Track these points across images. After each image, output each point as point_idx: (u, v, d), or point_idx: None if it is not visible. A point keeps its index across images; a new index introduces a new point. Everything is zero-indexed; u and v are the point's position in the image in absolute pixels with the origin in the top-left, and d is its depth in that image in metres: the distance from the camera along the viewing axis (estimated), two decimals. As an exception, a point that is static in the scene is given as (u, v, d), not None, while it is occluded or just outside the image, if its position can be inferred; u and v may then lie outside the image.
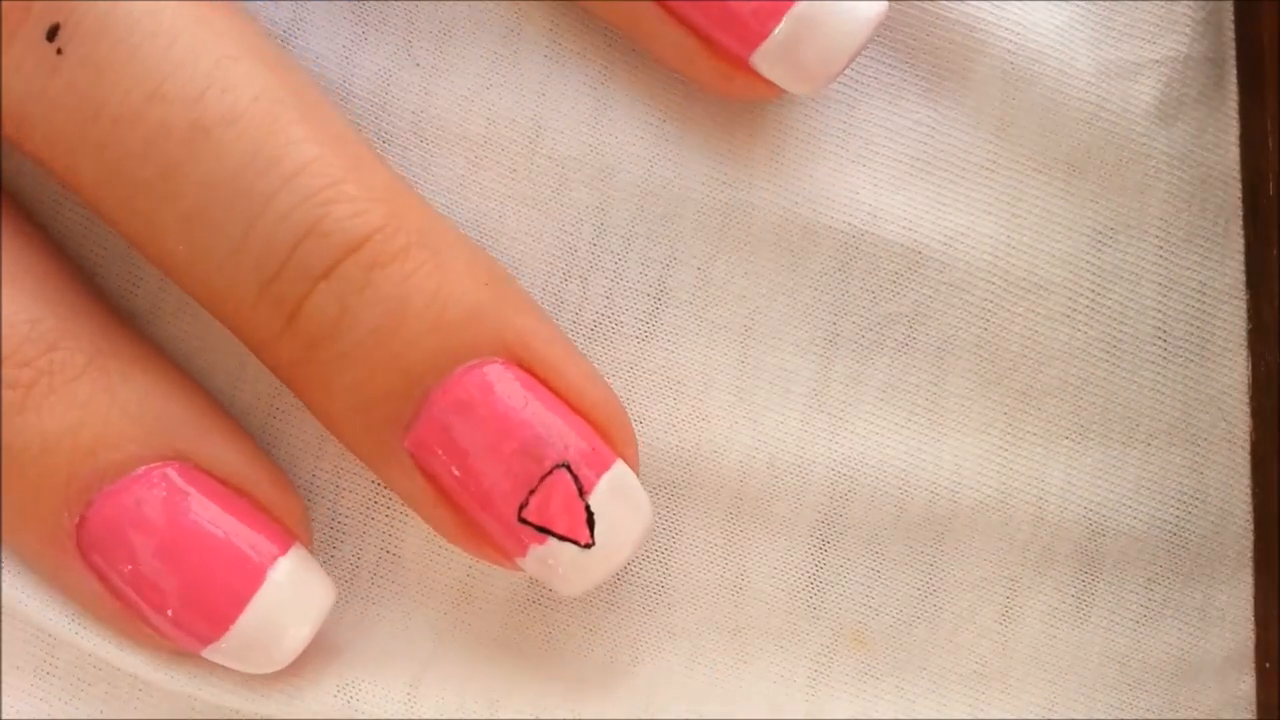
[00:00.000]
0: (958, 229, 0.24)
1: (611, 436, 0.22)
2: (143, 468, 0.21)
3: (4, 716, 0.24)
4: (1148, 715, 0.25)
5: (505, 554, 0.22)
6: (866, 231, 0.24)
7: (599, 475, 0.22)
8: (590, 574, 0.22)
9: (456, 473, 0.21)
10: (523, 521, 0.21)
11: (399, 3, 0.23)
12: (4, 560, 0.23)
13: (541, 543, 0.21)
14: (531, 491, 0.21)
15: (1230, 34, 0.25)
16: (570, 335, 0.23)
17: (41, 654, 0.24)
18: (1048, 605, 0.25)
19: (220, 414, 0.23)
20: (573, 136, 0.23)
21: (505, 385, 0.21)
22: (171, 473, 0.22)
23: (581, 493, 0.21)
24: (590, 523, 0.21)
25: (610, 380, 0.23)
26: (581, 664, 0.24)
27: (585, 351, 0.23)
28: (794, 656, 0.24)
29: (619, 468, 0.22)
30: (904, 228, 0.24)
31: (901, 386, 0.24)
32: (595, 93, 0.23)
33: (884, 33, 0.24)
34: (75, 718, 0.24)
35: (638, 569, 0.24)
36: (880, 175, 0.24)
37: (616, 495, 0.22)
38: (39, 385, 0.21)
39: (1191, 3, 0.24)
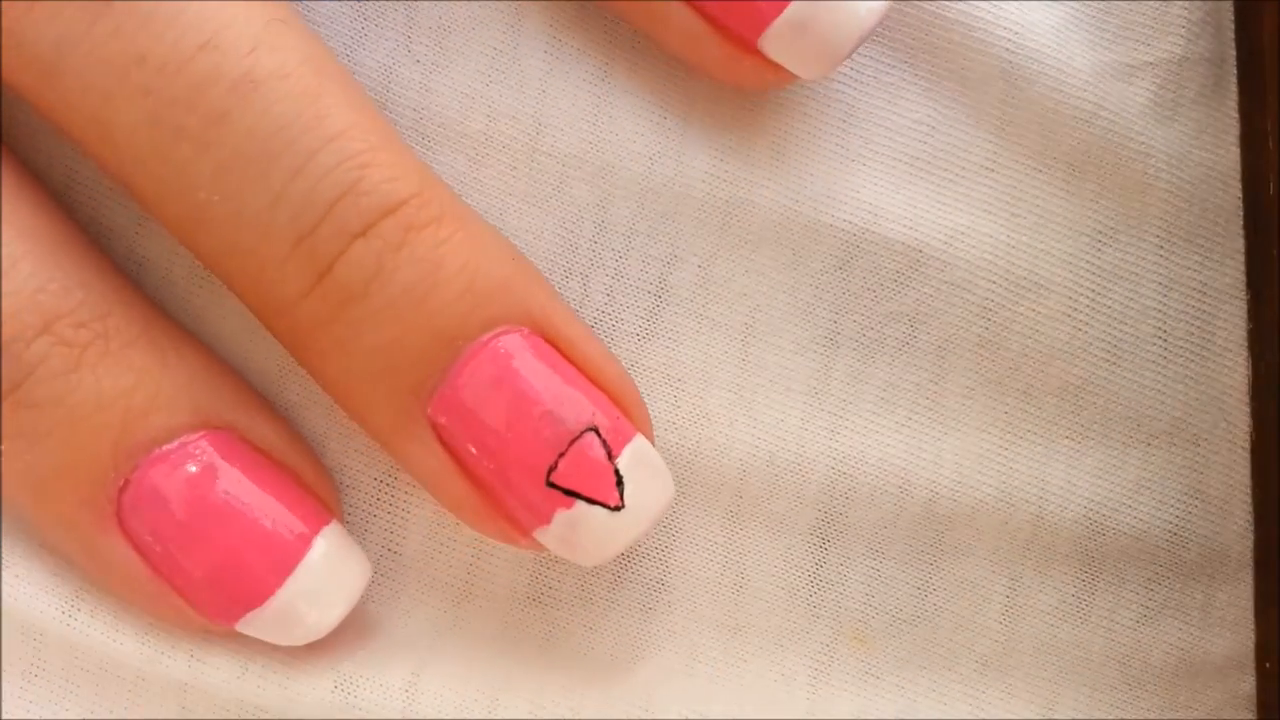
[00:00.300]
0: (958, 228, 0.24)
1: (629, 413, 0.22)
2: (191, 435, 0.21)
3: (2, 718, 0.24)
4: (1149, 715, 0.25)
5: (524, 526, 0.22)
6: (867, 230, 0.24)
7: (624, 444, 0.22)
8: (615, 539, 0.22)
9: (482, 438, 0.21)
10: (550, 485, 0.21)
11: (398, 0, 0.23)
12: (3, 551, 0.23)
13: (569, 507, 0.21)
14: (561, 455, 0.21)
15: (1230, 34, 0.25)
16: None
17: (30, 656, 0.24)
18: (1049, 604, 0.25)
19: (258, 394, 0.23)
20: (573, 133, 0.23)
21: (535, 351, 0.21)
22: (217, 442, 0.22)
23: (610, 456, 0.21)
24: (620, 486, 0.21)
25: (611, 377, 0.24)
26: (582, 662, 0.24)
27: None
28: (795, 655, 0.24)
29: (641, 440, 0.22)
30: (905, 226, 0.24)
31: (902, 385, 0.24)
32: (596, 89, 0.23)
33: (883, 31, 0.24)
34: (65, 718, 0.24)
35: (637, 567, 0.24)
36: (880, 174, 0.24)
37: (641, 463, 0.22)
38: (94, 347, 0.21)
39: (1187, 3, 0.24)
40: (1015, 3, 0.24)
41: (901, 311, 0.24)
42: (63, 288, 0.21)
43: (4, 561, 0.23)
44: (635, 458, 0.22)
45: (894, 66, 0.24)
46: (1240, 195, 0.25)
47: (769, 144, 0.24)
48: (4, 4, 0.20)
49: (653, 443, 0.22)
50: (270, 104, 0.20)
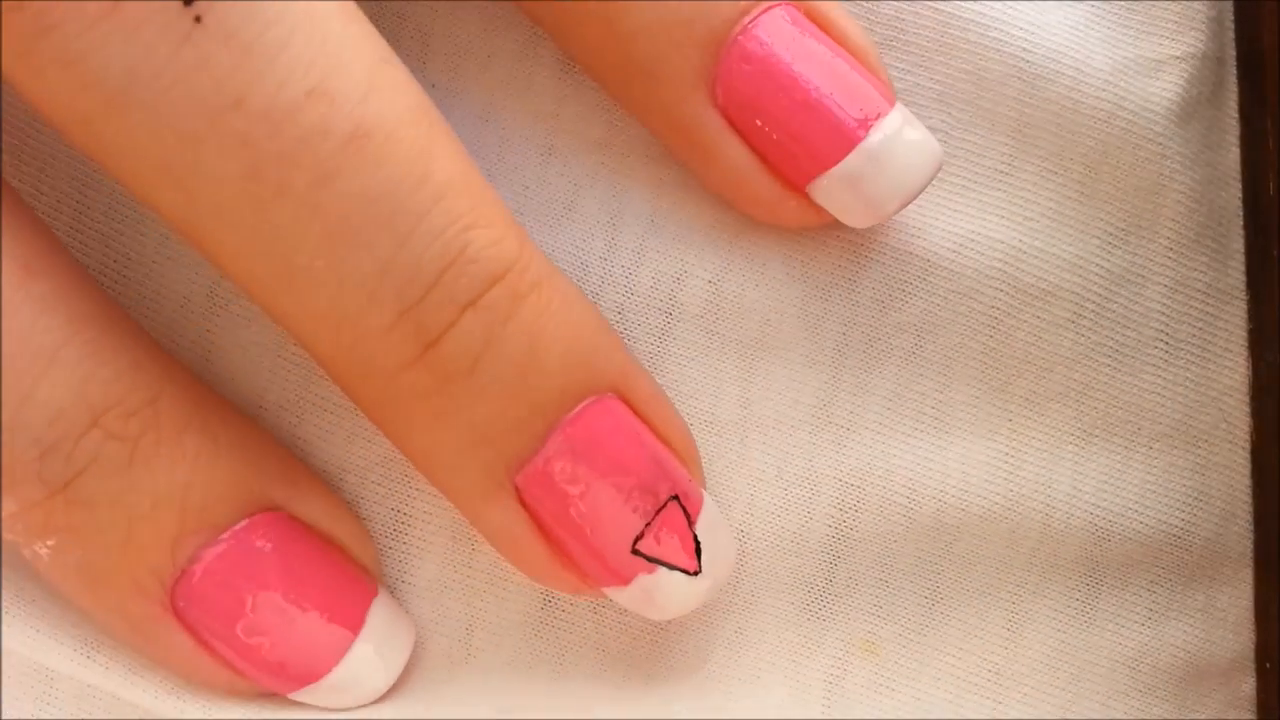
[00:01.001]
0: (969, 235, 0.24)
1: (694, 472, 0.22)
2: (244, 521, 0.21)
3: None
4: (1161, 717, 0.25)
5: (600, 584, 0.22)
6: (876, 240, 0.23)
7: (698, 508, 0.22)
8: (690, 601, 0.22)
9: (572, 505, 0.21)
10: (635, 553, 0.21)
11: (414, 24, 0.23)
12: (3, 603, 0.22)
13: (651, 572, 0.21)
14: (647, 524, 0.21)
15: (1230, 34, 0.25)
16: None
17: (41, 688, 0.23)
18: (1054, 610, 0.25)
19: (300, 463, 0.22)
20: (584, 155, 0.23)
21: (626, 420, 0.21)
22: (270, 526, 0.21)
23: (690, 524, 0.21)
24: (698, 552, 0.22)
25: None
26: (594, 685, 0.24)
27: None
28: (808, 669, 0.24)
29: (711, 502, 0.22)
30: (914, 235, 0.24)
31: (908, 395, 0.24)
32: (607, 113, 0.23)
33: (896, 38, 0.23)
34: None
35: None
36: None
37: (713, 526, 0.22)
38: (146, 438, 0.20)
39: (1207, 2, 0.24)
40: (1032, 2, 0.23)
41: (908, 322, 0.24)
42: (113, 373, 0.20)
43: (14, 608, 0.22)
44: (708, 521, 0.22)
45: (908, 70, 0.24)
46: (1240, 195, 0.25)
47: None
48: (63, 16, 0.17)
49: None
50: (380, 161, 0.18)
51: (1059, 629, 0.25)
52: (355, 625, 0.22)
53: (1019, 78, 0.23)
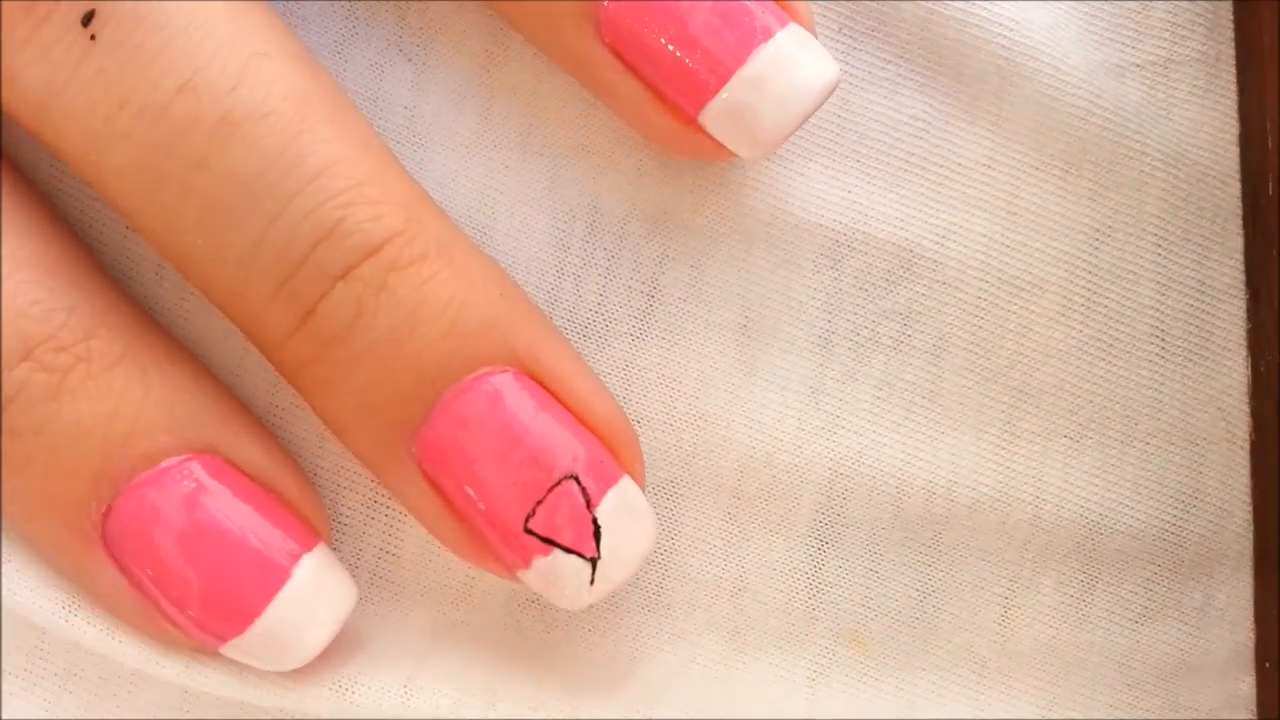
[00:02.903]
0: (951, 227, 0.24)
1: (618, 453, 0.22)
2: (173, 459, 0.21)
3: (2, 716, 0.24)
4: (1147, 715, 0.25)
5: (507, 565, 0.22)
6: (858, 229, 0.24)
7: (606, 490, 0.22)
8: (591, 588, 0.22)
9: (462, 481, 0.21)
10: (528, 532, 0.21)
11: (391, 3, 0.23)
12: (2, 548, 0.23)
13: (546, 554, 0.21)
14: (539, 502, 0.21)
15: (1226, 33, 0.25)
16: (564, 334, 0.23)
17: (31, 654, 0.24)
18: (1047, 604, 0.25)
19: (245, 411, 0.23)
20: (565, 134, 0.23)
21: (516, 395, 0.21)
22: (200, 466, 0.22)
23: (589, 505, 0.21)
24: (596, 535, 0.21)
25: (605, 378, 0.24)
26: (580, 664, 0.24)
27: (579, 349, 0.24)
28: (794, 657, 0.24)
29: (626, 483, 0.22)
30: (896, 225, 0.24)
31: (897, 384, 0.24)
32: (586, 91, 0.23)
33: (878, 28, 0.24)
34: (65, 716, 0.24)
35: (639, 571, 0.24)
36: (874, 172, 0.24)
37: (623, 511, 0.22)
38: (75, 371, 0.21)
39: (1171, 4, 0.24)
40: (1010, 1, 0.24)
41: (894, 310, 0.24)
42: (46, 310, 0.21)
43: (4, 561, 0.23)
44: (617, 504, 0.22)
45: (889, 63, 0.24)
46: (1239, 195, 0.25)
47: None
48: (4, 40, 0.20)
49: (642, 480, 0.22)
50: (249, 146, 0.20)
51: (1051, 624, 0.25)
52: (284, 573, 0.22)
53: (998, 74, 0.24)
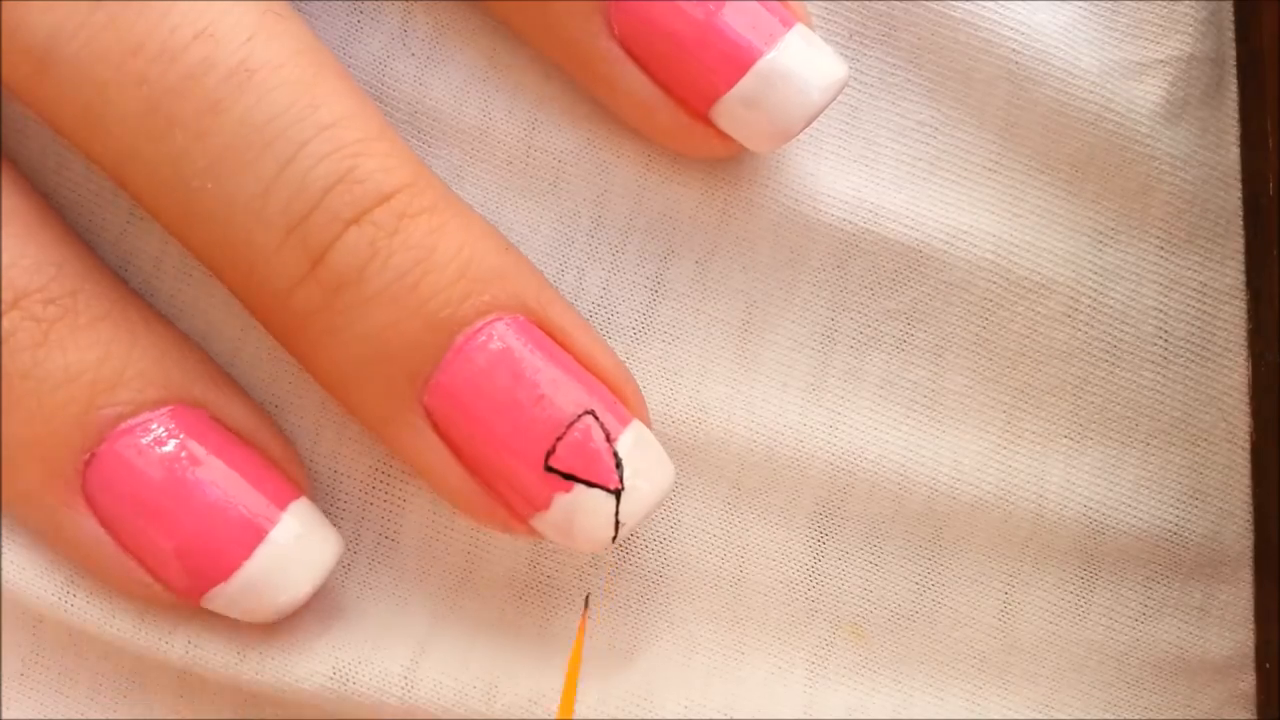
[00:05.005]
0: (959, 228, 0.24)
1: (626, 400, 0.22)
2: (158, 410, 0.22)
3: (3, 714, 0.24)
4: (1146, 713, 0.25)
5: (522, 512, 0.22)
6: (867, 230, 0.24)
7: (623, 428, 0.22)
8: (609, 525, 0.22)
9: (479, 425, 0.21)
10: (549, 470, 0.21)
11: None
12: (2, 533, 0.23)
13: (568, 490, 0.21)
14: (559, 439, 0.21)
15: (1230, 34, 0.25)
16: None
17: (29, 640, 0.24)
18: (1047, 602, 0.25)
19: (226, 376, 0.23)
20: (569, 130, 0.23)
21: (530, 337, 0.21)
22: (185, 417, 0.22)
23: (608, 439, 0.21)
24: (619, 468, 0.21)
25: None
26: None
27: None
28: (792, 648, 0.25)
29: (639, 425, 0.22)
30: (905, 226, 0.24)
31: (899, 383, 0.24)
32: (588, 90, 0.23)
33: (889, 34, 0.24)
34: (66, 700, 0.24)
35: (636, 558, 0.24)
36: (883, 174, 0.24)
37: (640, 447, 0.22)
38: (63, 321, 0.21)
39: (1194, 2, 0.24)
40: (1022, 3, 0.24)
41: (898, 309, 0.24)
42: (34, 264, 0.21)
43: (3, 546, 0.23)
44: (635, 442, 0.22)
45: (898, 67, 0.24)
46: (1240, 196, 0.25)
47: None
48: None
49: (650, 428, 0.22)
50: (264, 93, 0.20)
51: (1051, 621, 0.25)
52: (267, 523, 0.22)
53: (1008, 79, 0.24)
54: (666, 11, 0.22)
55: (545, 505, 0.21)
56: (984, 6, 0.24)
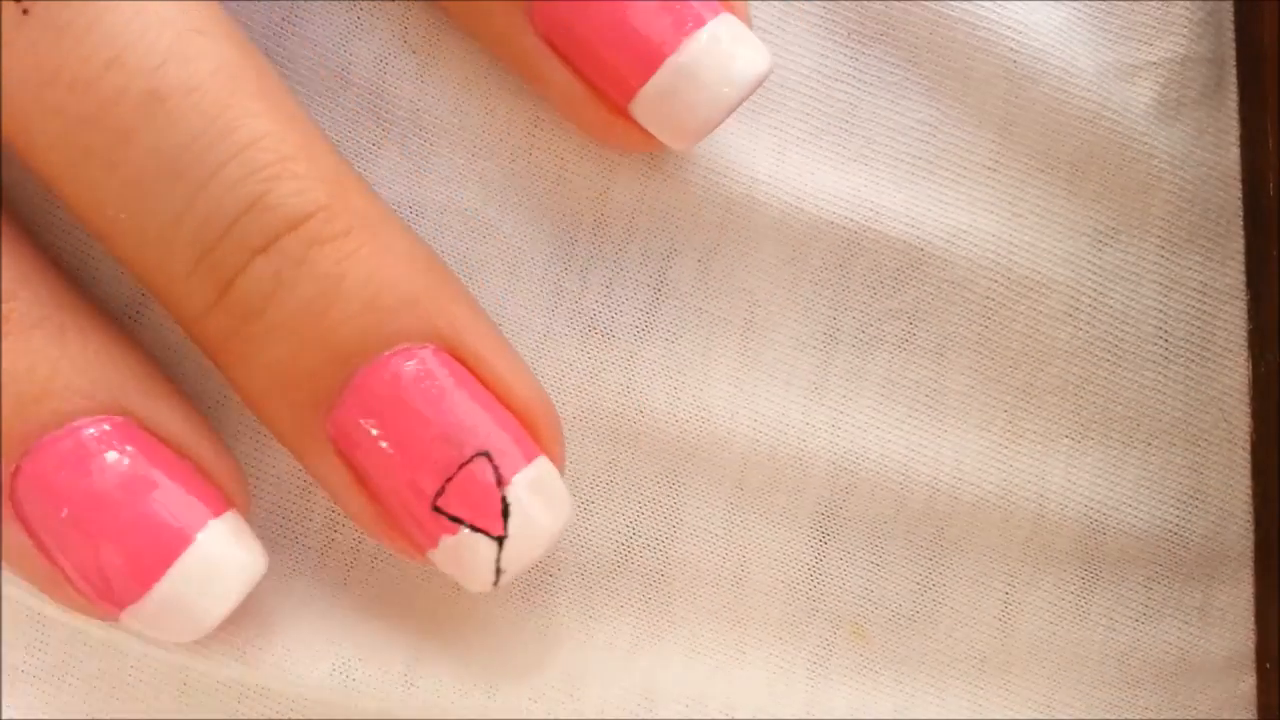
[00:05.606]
0: (960, 227, 0.24)
1: (538, 433, 0.22)
2: (85, 419, 0.21)
3: (2, 708, 0.24)
4: (1146, 713, 0.25)
5: (417, 545, 0.22)
6: (868, 228, 0.24)
7: (519, 469, 0.21)
8: (491, 571, 0.21)
9: (376, 457, 0.21)
10: (436, 510, 0.21)
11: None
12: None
13: (454, 533, 0.21)
14: (449, 480, 0.21)
15: (1230, 34, 0.25)
16: (569, 326, 0.24)
17: (33, 634, 0.24)
18: (1047, 602, 0.25)
19: (167, 380, 0.23)
20: (572, 128, 0.23)
21: (433, 371, 0.21)
22: (112, 427, 0.21)
23: (500, 483, 0.21)
24: (505, 514, 0.21)
25: (609, 371, 0.24)
26: (580, 650, 0.24)
27: (584, 343, 0.24)
28: (794, 648, 0.25)
29: (542, 464, 0.22)
30: (906, 225, 0.24)
31: (901, 382, 0.24)
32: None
33: (887, 32, 0.24)
34: (66, 697, 0.24)
35: (638, 558, 0.24)
36: (882, 173, 0.24)
37: (536, 490, 0.21)
38: None
39: (1189, 3, 0.24)
40: (1019, 2, 0.24)
41: (900, 309, 0.24)
42: None
43: None
44: (530, 484, 0.21)
45: (897, 66, 0.24)
46: (1241, 196, 0.25)
47: (771, 142, 0.24)
48: None
49: (561, 464, 0.22)
50: (175, 119, 0.20)
51: (1051, 621, 0.25)
52: (186, 539, 0.21)
53: (1006, 78, 0.24)
54: (580, 10, 0.21)
55: (434, 544, 0.21)
56: (982, 6, 0.24)
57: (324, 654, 0.23)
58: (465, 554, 0.21)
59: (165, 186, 0.20)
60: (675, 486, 0.24)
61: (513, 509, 0.21)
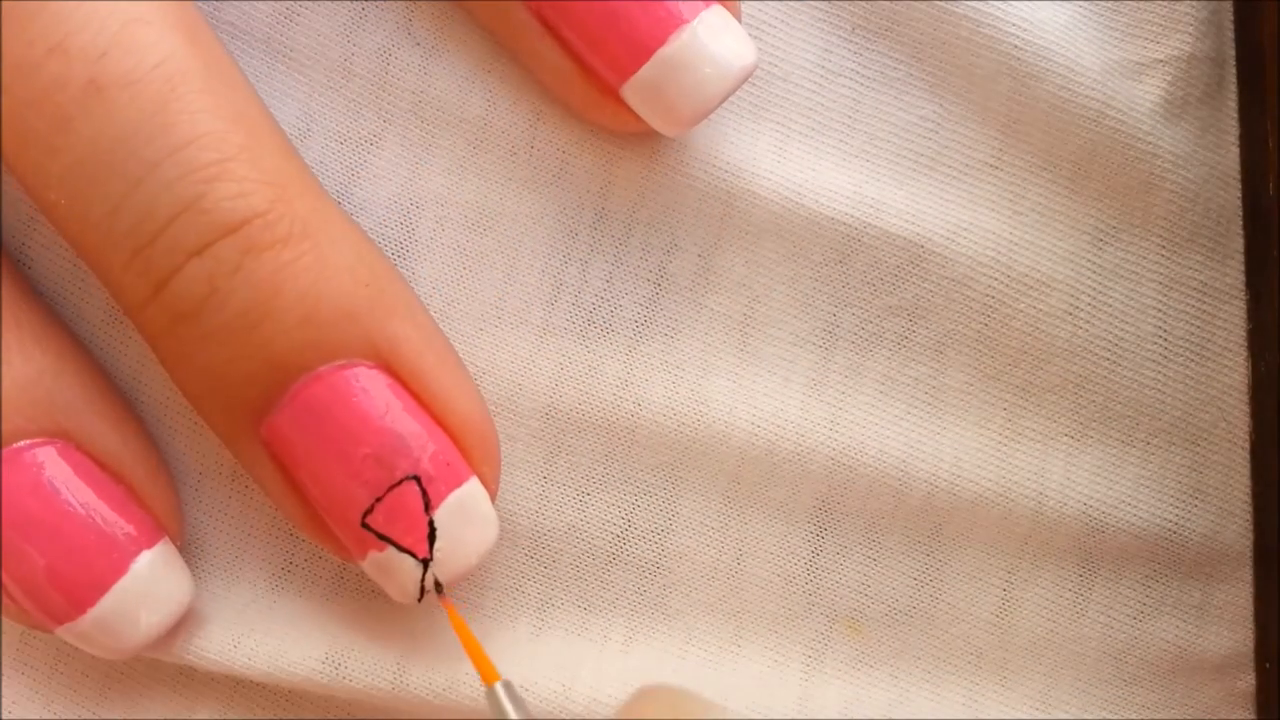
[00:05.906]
0: (961, 224, 0.24)
1: (471, 453, 0.22)
2: (22, 442, 0.21)
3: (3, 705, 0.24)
4: (1144, 711, 0.25)
5: (346, 553, 0.22)
6: (869, 224, 0.24)
7: (449, 491, 0.21)
8: (419, 589, 0.22)
9: (308, 470, 0.21)
10: (365, 528, 0.21)
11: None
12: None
13: (381, 550, 0.21)
14: (378, 499, 0.21)
15: (1230, 34, 0.25)
16: (569, 319, 0.24)
17: (24, 630, 0.24)
18: (1045, 598, 0.25)
19: (114, 400, 0.23)
20: (574, 122, 0.24)
21: (367, 389, 0.21)
22: (50, 450, 0.21)
23: (427, 507, 0.21)
24: (431, 538, 0.21)
25: (608, 364, 0.24)
26: (575, 641, 0.24)
27: (583, 336, 0.24)
28: (789, 641, 0.25)
29: (471, 485, 0.22)
30: (907, 221, 0.24)
31: (901, 379, 0.24)
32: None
33: (891, 29, 0.24)
34: (58, 689, 0.24)
35: (634, 549, 0.24)
36: (884, 170, 0.24)
37: (463, 513, 0.22)
38: None
39: (1195, 2, 0.25)
40: (1024, 0, 0.24)
41: (900, 306, 0.24)
42: None
43: None
44: (458, 506, 0.21)
45: (900, 62, 0.24)
46: (1241, 195, 0.25)
47: (772, 138, 0.24)
48: None
49: (494, 483, 0.22)
50: (114, 111, 0.20)
51: (1049, 617, 0.25)
52: (122, 564, 0.21)
53: (1010, 75, 0.24)
54: None
55: (361, 557, 0.22)
56: (986, 2, 0.24)
57: (318, 643, 0.23)
58: (392, 572, 0.21)
59: (101, 178, 0.20)
60: (672, 480, 0.24)
61: (439, 533, 0.21)
